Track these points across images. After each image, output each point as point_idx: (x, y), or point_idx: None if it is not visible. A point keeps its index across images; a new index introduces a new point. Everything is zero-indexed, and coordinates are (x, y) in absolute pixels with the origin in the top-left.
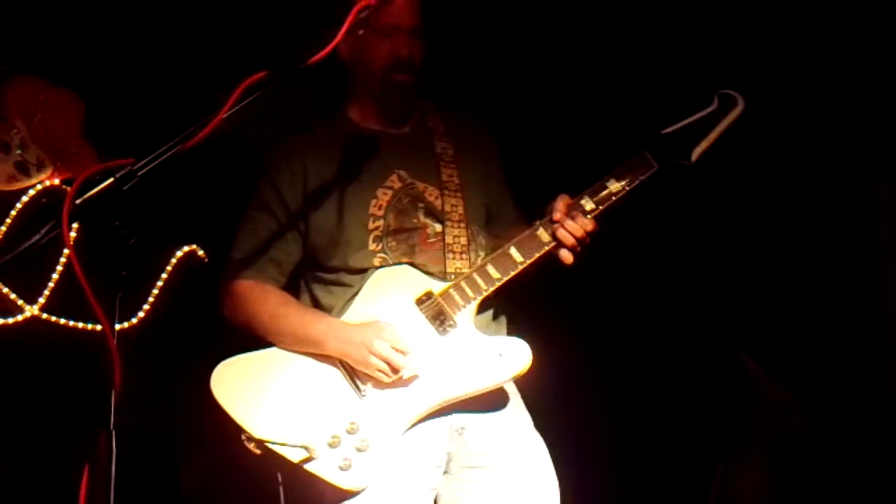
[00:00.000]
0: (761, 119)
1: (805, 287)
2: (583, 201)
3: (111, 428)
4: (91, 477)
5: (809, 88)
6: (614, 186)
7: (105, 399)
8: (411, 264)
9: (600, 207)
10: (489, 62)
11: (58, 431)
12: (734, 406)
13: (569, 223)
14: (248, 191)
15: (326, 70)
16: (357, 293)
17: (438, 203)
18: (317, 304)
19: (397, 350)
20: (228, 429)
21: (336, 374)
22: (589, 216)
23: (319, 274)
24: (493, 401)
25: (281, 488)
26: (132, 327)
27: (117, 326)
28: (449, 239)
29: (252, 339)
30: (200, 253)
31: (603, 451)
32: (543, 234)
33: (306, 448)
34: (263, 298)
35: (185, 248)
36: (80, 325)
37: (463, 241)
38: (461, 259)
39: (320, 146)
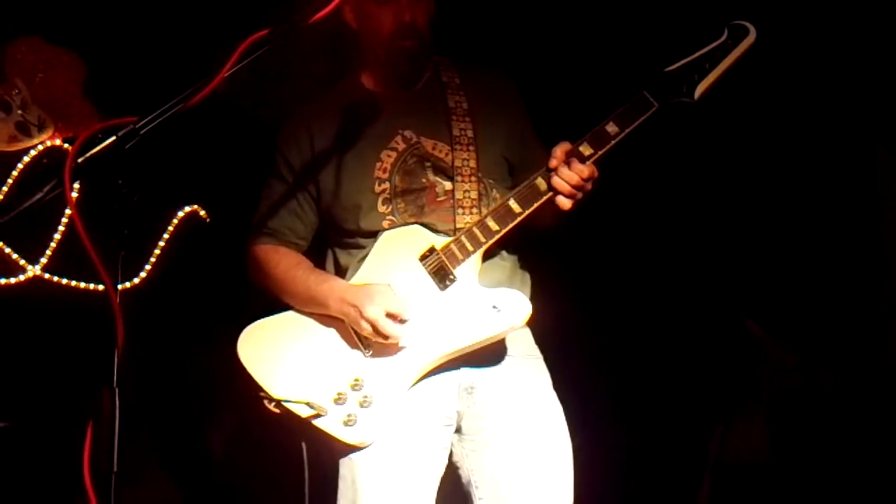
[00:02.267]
0: (767, 70)
1: (808, 251)
2: (581, 147)
3: (114, 386)
4: (94, 434)
5: (815, 54)
6: (612, 129)
7: (108, 358)
8: (421, 224)
9: (598, 152)
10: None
11: (60, 390)
12: (737, 369)
13: (564, 171)
14: (249, 150)
15: (330, 29)
16: (366, 255)
17: (448, 158)
18: (337, 266)
19: (390, 314)
20: (252, 390)
21: (344, 333)
22: (588, 161)
23: (337, 237)
24: (504, 360)
25: (304, 445)
26: (134, 287)
27: (119, 286)
28: (459, 194)
29: (276, 301)
30: (202, 213)
31: (607, 411)
32: (541, 183)
33: (314, 405)
34: (276, 261)
35: (187, 209)
36: (83, 284)
37: (473, 195)
38: (471, 214)
39: (328, 112)
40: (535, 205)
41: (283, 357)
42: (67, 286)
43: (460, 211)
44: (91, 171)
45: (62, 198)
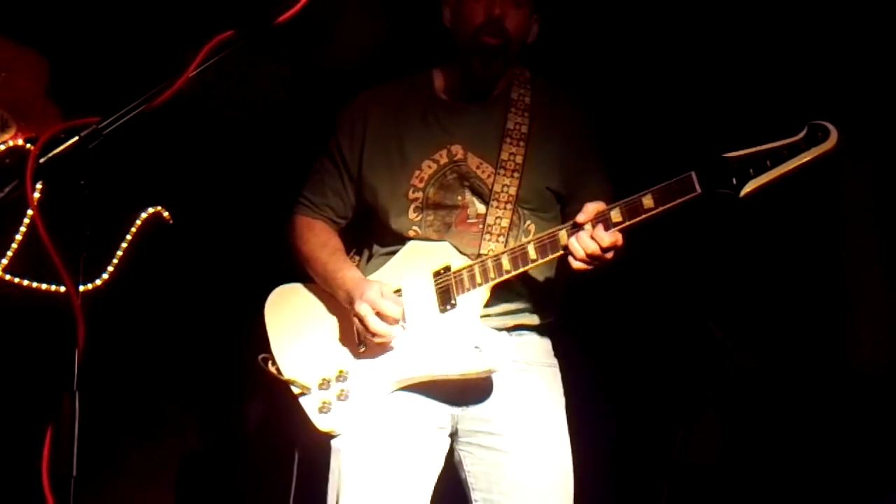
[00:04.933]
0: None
1: (771, 256)
2: (613, 212)
3: (74, 389)
4: (54, 438)
5: (774, 65)
6: (648, 203)
7: (69, 360)
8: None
9: (627, 222)
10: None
11: (21, 393)
12: (698, 371)
13: (583, 236)
14: (213, 151)
15: (295, 31)
16: (390, 257)
17: (490, 181)
18: (370, 254)
19: (380, 313)
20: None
21: (347, 323)
22: (614, 228)
23: (373, 226)
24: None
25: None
26: (95, 288)
27: (81, 288)
28: (490, 220)
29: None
30: (165, 214)
31: (568, 412)
32: (563, 237)
33: (299, 384)
34: (307, 237)
35: (151, 210)
36: (44, 286)
37: (504, 223)
38: (497, 241)
39: (390, 104)
40: (550, 257)
41: (297, 327)
42: (28, 287)
43: (487, 237)
44: (53, 171)
45: (24, 198)
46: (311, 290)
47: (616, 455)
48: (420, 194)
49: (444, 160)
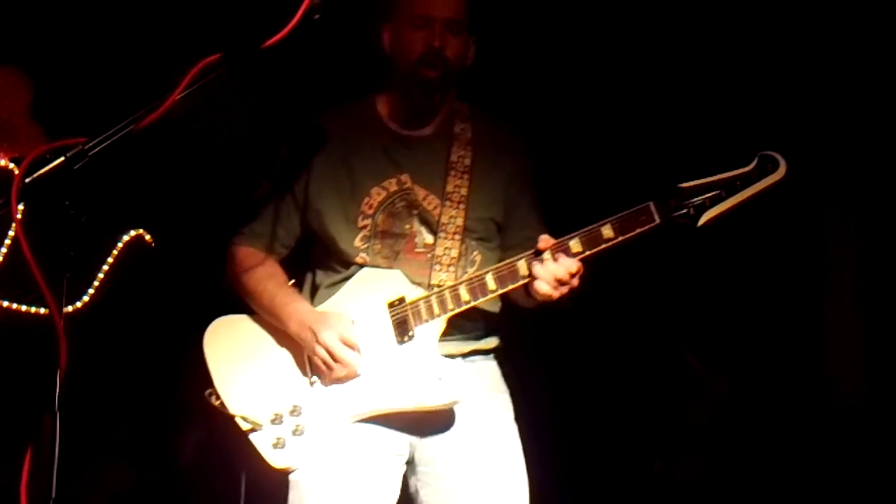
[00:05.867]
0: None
1: (748, 284)
2: (572, 242)
3: (56, 409)
4: (34, 458)
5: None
6: (608, 233)
7: (50, 380)
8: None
9: (587, 252)
10: (536, 71)
11: (1, 413)
12: (674, 402)
13: (549, 263)
14: (197, 175)
15: (282, 56)
16: (340, 286)
17: (437, 212)
18: (313, 285)
19: (345, 341)
20: (204, 384)
21: (298, 356)
22: (574, 258)
23: (317, 254)
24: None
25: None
26: (76, 310)
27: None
28: (439, 251)
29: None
30: (147, 238)
31: (546, 444)
32: (522, 267)
33: (250, 420)
34: (250, 268)
35: (133, 232)
36: (24, 307)
37: (454, 253)
38: (447, 271)
39: (335, 131)
40: (511, 287)
41: (241, 360)
42: (9, 308)
43: (437, 267)
44: (38, 191)
45: (6, 218)
46: (254, 321)
47: (593, 487)
48: (369, 221)
49: (393, 188)
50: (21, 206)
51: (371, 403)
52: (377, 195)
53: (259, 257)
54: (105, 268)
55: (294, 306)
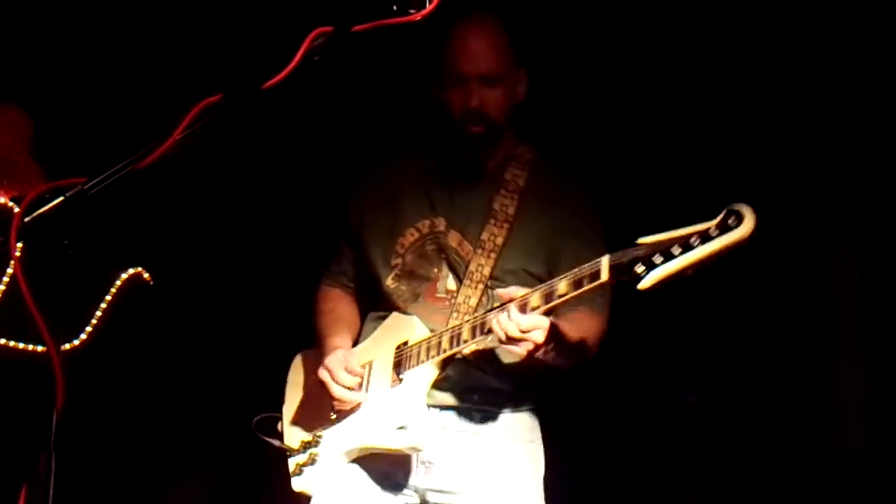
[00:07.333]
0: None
1: (750, 328)
2: (532, 297)
3: (51, 449)
4: (28, 497)
5: (761, 152)
6: (563, 288)
7: (46, 420)
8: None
9: (543, 306)
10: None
11: None
12: (674, 443)
13: (502, 317)
14: (196, 214)
15: (283, 96)
16: (379, 323)
17: (468, 259)
18: (363, 318)
19: (335, 382)
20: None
21: None
22: (534, 312)
23: (369, 288)
24: (468, 437)
25: None
26: (73, 348)
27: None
28: (460, 298)
29: None
30: (146, 276)
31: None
32: (489, 321)
33: (287, 446)
34: (320, 305)
35: (131, 271)
36: (21, 345)
37: (473, 301)
38: (462, 320)
39: (390, 171)
40: (479, 338)
41: (300, 390)
42: (6, 346)
43: (455, 315)
44: (37, 230)
45: (5, 256)
46: (318, 354)
47: None
48: (400, 260)
49: (426, 230)
50: (20, 245)
51: (353, 440)
52: (410, 235)
53: (331, 294)
54: (103, 306)
55: (329, 340)
